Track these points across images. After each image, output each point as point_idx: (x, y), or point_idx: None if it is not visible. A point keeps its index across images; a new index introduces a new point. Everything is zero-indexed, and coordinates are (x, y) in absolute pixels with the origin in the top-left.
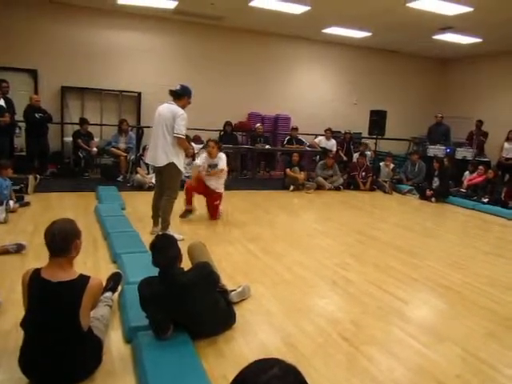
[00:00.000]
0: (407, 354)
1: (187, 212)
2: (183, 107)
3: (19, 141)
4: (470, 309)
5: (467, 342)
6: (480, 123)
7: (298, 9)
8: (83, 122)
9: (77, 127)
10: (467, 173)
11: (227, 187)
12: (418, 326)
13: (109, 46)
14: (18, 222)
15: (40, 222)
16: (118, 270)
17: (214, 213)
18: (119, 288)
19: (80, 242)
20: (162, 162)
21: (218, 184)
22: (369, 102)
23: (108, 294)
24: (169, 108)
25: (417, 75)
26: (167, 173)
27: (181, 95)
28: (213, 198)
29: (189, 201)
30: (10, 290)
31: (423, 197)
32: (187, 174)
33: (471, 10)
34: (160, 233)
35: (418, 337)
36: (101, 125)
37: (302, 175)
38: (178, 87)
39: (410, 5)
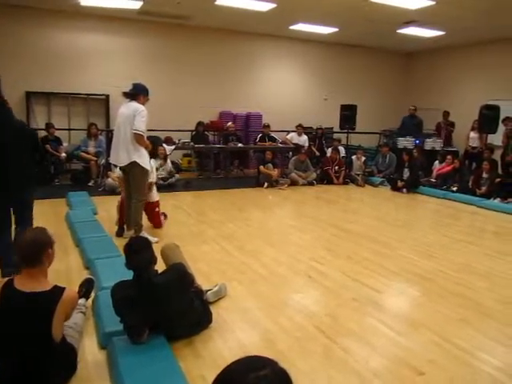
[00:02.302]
0: (382, 343)
1: (121, 229)
2: (143, 105)
3: None
4: (443, 296)
5: (441, 328)
6: (447, 114)
7: (264, 6)
8: (49, 126)
9: (44, 133)
10: (436, 163)
11: (201, 187)
12: (392, 315)
13: (74, 48)
14: None
15: None
16: (90, 276)
17: (156, 221)
18: (92, 294)
19: (53, 251)
20: (123, 161)
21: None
22: (339, 96)
23: (81, 300)
24: (129, 106)
25: (384, 69)
26: (132, 173)
27: (135, 95)
28: (149, 207)
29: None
30: None
31: (395, 188)
32: (160, 176)
33: (433, 3)
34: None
35: (393, 325)
36: (69, 129)
37: (275, 172)
38: (131, 87)
39: None
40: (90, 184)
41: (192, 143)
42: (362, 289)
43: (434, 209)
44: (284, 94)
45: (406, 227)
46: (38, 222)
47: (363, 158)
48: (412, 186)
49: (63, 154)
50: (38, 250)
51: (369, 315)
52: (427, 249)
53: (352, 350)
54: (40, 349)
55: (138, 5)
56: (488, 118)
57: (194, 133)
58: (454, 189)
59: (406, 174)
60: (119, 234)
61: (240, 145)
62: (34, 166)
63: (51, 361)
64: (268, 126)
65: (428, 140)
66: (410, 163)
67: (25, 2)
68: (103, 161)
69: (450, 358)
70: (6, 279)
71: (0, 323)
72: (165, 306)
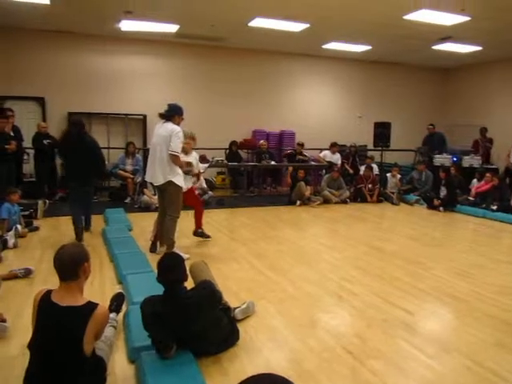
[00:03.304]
0: (413, 367)
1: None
2: (178, 125)
3: (28, 167)
4: (477, 318)
5: (475, 352)
6: (485, 130)
7: (298, 26)
8: None
9: None
10: (475, 180)
11: (234, 204)
12: (424, 337)
13: (113, 71)
14: (27, 246)
15: (48, 246)
16: (121, 291)
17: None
18: (123, 308)
19: (89, 266)
20: (159, 180)
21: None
22: (373, 114)
23: (112, 315)
24: (165, 127)
25: (419, 85)
26: (167, 192)
27: (171, 116)
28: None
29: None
30: (17, 315)
31: (431, 206)
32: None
33: (469, 19)
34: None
35: (424, 349)
36: (108, 148)
37: (308, 190)
38: (166, 108)
39: (407, 17)
40: (126, 201)
41: (226, 161)
42: (392, 310)
43: (472, 228)
44: (317, 111)
45: (442, 247)
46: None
47: (398, 176)
48: (449, 205)
49: None
50: (75, 264)
51: (399, 337)
52: (463, 269)
53: (381, 373)
54: (71, 362)
55: (174, 28)
56: None
57: (227, 151)
58: (494, 207)
59: (443, 192)
60: (152, 250)
61: (273, 163)
62: (96, 168)
63: (81, 373)
64: (301, 145)
65: (466, 157)
66: (447, 181)
67: (68, 28)
68: (140, 178)
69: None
70: (44, 291)
71: (36, 334)
72: (193, 322)
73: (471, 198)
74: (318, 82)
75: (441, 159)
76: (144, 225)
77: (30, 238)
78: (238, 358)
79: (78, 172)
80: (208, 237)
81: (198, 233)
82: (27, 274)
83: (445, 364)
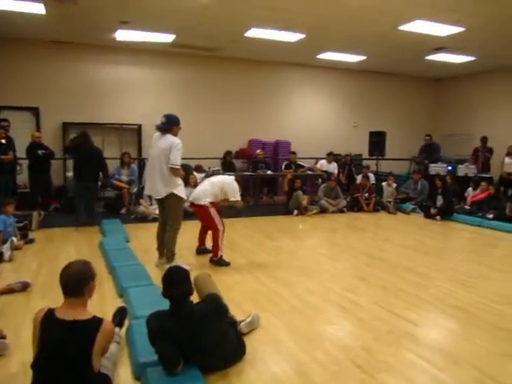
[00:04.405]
0: (422, 379)
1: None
2: (176, 135)
3: (22, 177)
4: (483, 328)
5: (483, 363)
6: (485, 139)
7: (293, 36)
8: None
9: None
10: (470, 189)
11: (231, 214)
12: (430, 348)
13: (108, 80)
14: (23, 259)
15: (45, 258)
16: (123, 305)
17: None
18: (126, 323)
19: (94, 285)
20: (160, 193)
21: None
22: (368, 123)
23: (116, 329)
24: (164, 139)
25: (414, 95)
26: (168, 203)
27: (168, 129)
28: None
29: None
30: (16, 331)
31: (428, 215)
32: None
33: (463, 29)
34: (167, 265)
35: (433, 360)
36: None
37: (305, 199)
38: (163, 120)
39: (402, 28)
40: (122, 212)
41: (221, 171)
42: (397, 321)
43: (469, 237)
44: (312, 121)
45: (441, 256)
46: (71, 248)
47: (394, 185)
48: (446, 214)
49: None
50: (81, 283)
51: (406, 349)
52: (464, 279)
53: None
54: (79, 379)
55: (170, 38)
56: None
57: (222, 161)
58: (490, 216)
59: (439, 201)
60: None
61: (269, 172)
62: (99, 171)
63: None
64: (294, 153)
65: (461, 166)
66: (444, 190)
67: (63, 38)
68: (135, 189)
69: None
70: (46, 310)
71: (41, 352)
72: (200, 337)
73: (467, 207)
74: (314, 91)
75: (436, 168)
76: (141, 236)
77: (25, 250)
78: (244, 373)
79: (82, 173)
80: (227, 264)
81: (214, 261)
82: (24, 287)
83: (455, 376)
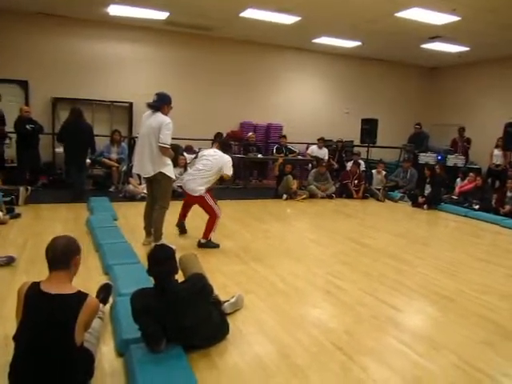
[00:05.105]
0: (402, 364)
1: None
2: (166, 115)
3: (10, 152)
4: (464, 316)
5: (462, 350)
6: (462, 130)
7: (289, 19)
8: None
9: None
10: (459, 180)
11: (220, 196)
12: (412, 334)
13: (100, 56)
14: (9, 234)
15: (30, 233)
16: (108, 281)
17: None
18: (110, 299)
19: (79, 258)
20: (149, 172)
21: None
22: (360, 110)
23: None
24: (155, 118)
25: (407, 83)
26: (156, 183)
27: (159, 107)
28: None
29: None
30: (0, 305)
31: (415, 204)
32: (179, 184)
33: (459, 19)
34: (153, 243)
35: (413, 345)
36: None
37: (295, 183)
38: (155, 98)
39: (399, 14)
40: (110, 190)
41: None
42: (380, 306)
43: (455, 226)
44: (305, 106)
45: (426, 244)
46: (58, 225)
47: (384, 173)
48: (433, 203)
49: (87, 160)
50: (68, 255)
51: (388, 334)
52: (448, 267)
53: (370, 370)
54: (60, 351)
55: (164, 15)
56: None
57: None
58: (476, 207)
59: (428, 190)
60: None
61: (260, 155)
62: (89, 146)
63: (70, 364)
64: (284, 137)
65: (450, 156)
66: (432, 179)
67: (53, 11)
68: (125, 167)
69: (472, 382)
70: (30, 283)
71: (23, 325)
72: (184, 316)
73: (455, 197)
74: (307, 76)
75: (425, 157)
76: (129, 214)
77: (11, 224)
78: (227, 352)
79: (75, 150)
80: (216, 246)
81: (202, 243)
82: (9, 261)
83: (434, 362)
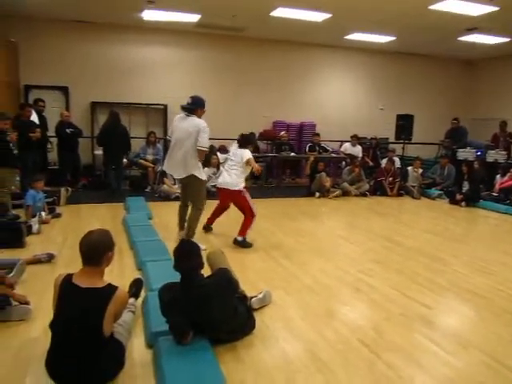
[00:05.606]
0: (430, 361)
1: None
2: (200, 118)
3: (52, 155)
4: (497, 315)
5: (493, 349)
6: (504, 124)
7: (319, 16)
8: None
9: None
10: (498, 176)
11: (253, 195)
12: (442, 332)
13: (134, 60)
14: (50, 232)
15: (70, 232)
16: (140, 277)
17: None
18: (142, 294)
19: (112, 254)
20: (180, 174)
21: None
22: (395, 106)
23: (131, 300)
24: (190, 121)
25: (443, 78)
26: (190, 185)
27: (193, 110)
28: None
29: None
30: (40, 298)
31: (453, 201)
32: (212, 183)
33: (497, 9)
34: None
35: (442, 344)
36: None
37: (328, 181)
38: (190, 101)
39: (433, 7)
40: (146, 190)
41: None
42: (410, 304)
43: (494, 224)
44: (338, 103)
45: (463, 242)
46: (96, 223)
47: (420, 170)
48: (472, 200)
49: (124, 161)
50: (100, 252)
51: (417, 332)
52: (484, 266)
53: (397, 366)
54: (91, 341)
55: (196, 18)
56: None
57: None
58: None
59: (466, 186)
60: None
61: (293, 154)
62: (126, 147)
63: (101, 354)
64: (318, 135)
65: (491, 152)
66: (470, 176)
67: (91, 18)
68: (160, 168)
69: (501, 381)
70: (65, 275)
71: (57, 315)
72: (209, 309)
73: (495, 194)
74: (340, 73)
75: (464, 153)
76: (163, 213)
77: (52, 224)
78: (253, 347)
79: (113, 152)
80: (250, 246)
81: (238, 241)
82: (50, 258)
83: (463, 360)
